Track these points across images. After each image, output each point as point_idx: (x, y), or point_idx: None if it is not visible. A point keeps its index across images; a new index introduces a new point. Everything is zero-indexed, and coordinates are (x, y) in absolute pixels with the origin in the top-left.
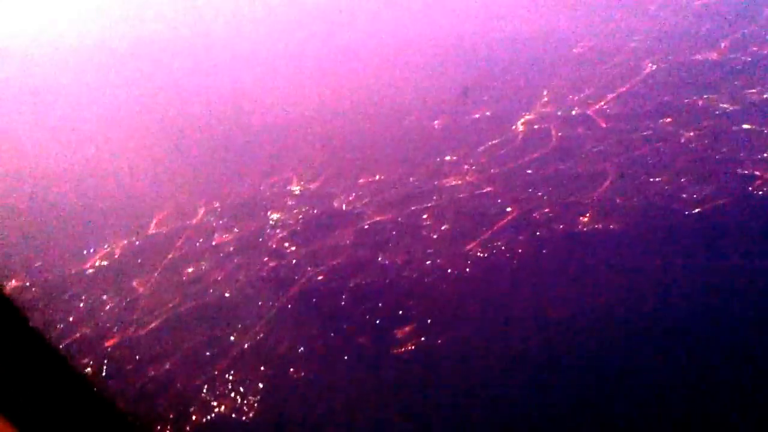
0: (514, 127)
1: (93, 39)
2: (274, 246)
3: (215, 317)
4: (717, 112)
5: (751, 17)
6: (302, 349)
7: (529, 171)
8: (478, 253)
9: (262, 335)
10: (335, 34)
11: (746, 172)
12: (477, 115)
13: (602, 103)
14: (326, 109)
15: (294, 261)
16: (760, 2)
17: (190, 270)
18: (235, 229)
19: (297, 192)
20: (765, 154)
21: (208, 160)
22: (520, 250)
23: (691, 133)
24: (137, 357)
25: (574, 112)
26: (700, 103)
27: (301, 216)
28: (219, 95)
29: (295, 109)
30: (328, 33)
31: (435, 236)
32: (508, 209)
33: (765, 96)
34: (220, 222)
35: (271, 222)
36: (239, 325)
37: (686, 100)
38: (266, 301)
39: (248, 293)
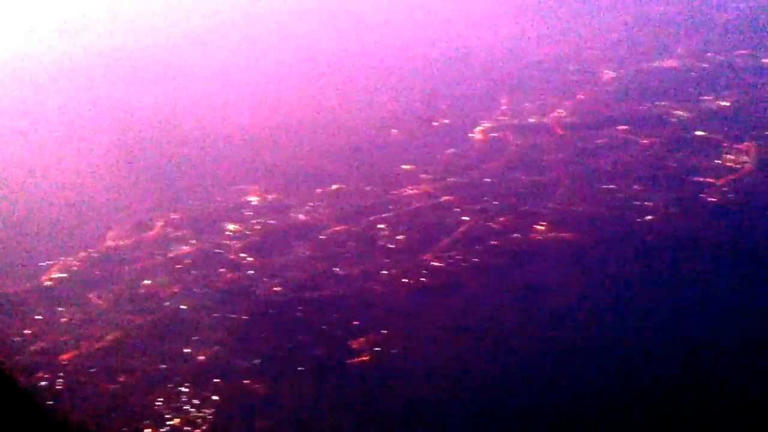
0: (471, 135)
1: (43, 53)
2: (231, 258)
3: (171, 330)
4: (672, 120)
5: (706, 26)
6: (258, 361)
7: (486, 180)
8: (434, 263)
9: (218, 348)
10: (293, 46)
11: (700, 179)
12: (435, 125)
13: (559, 111)
14: (284, 120)
15: (251, 273)
16: (715, 11)
17: (147, 282)
18: (193, 241)
19: (255, 203)
20: (718, 161)
21: (165, 173)
22: (476, 260)
23: (647, 141)
24: (93, 371)
25: (531, 121)
26: (656, 110)
27: (258, 227)
28: (176, 108)
29: (252, 120)
30: (286, 45)
31: (391, 246)
32: (465, 219)
33: (719, 103)
34: (178, 234)
35: (228, 233)
36: (195, 338)
37: (642, 108)
38: (223, 314)
39: (205, 306)
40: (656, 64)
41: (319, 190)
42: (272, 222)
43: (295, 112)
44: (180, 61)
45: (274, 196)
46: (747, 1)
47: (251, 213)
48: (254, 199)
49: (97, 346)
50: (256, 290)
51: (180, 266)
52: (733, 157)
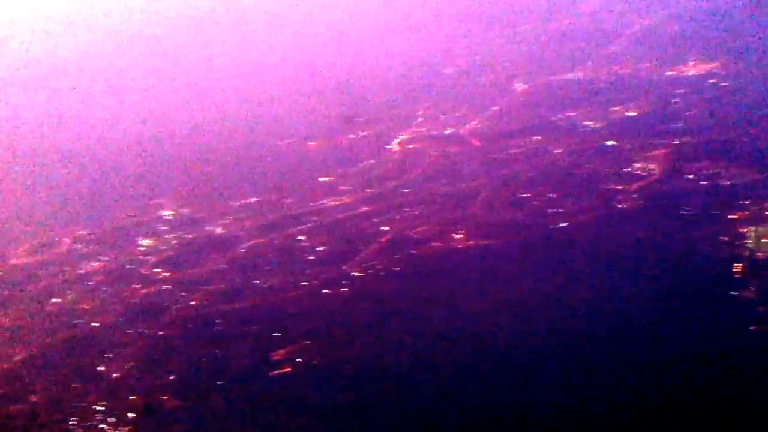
0: (389, 147)
1: None
2: (145, 273)
3: (84, 348)
4: (582, 130)
5: (614, 38)
6: (175, 377)
7: (405, 190)
8: (355, 273)
9: (132, 364)
10: (208, 55)
11: (610, 186)
12: (353, 136)
13: (475, 122)
14: (199, 132)
15: (166, 287)
16: (622, 24)
17: (56, 300)
18: (105, 257)
19: (169, 217)
20: (627, 169)
21: (74, 187)
22: (396, 269)
23: (559, 150)
24: (1, 393)
25: (447, 132)
26: (567, 120)
27: (174, 241)
28: (84, 119)
29: (165, 131)
30: (201, 55)
31: (311, 258)
32: (385, 229)
33: (627, 113)
34: (88, 250)
35: (142, 248)
36: (109, 355)
37: (554, 118)
38: (138, 330)
39: (119, 322)
40: (566, 75)
41: (236, 203)
42: (188, 236)
43: (210, 124)
44: (89, 71)
45: (188, 209)
46: (650, 15)
47: (165, 227)
48: (168, 213)
49: (5, 366)
50: (172, 305)
51: (91, 283)
52: (641, 165)
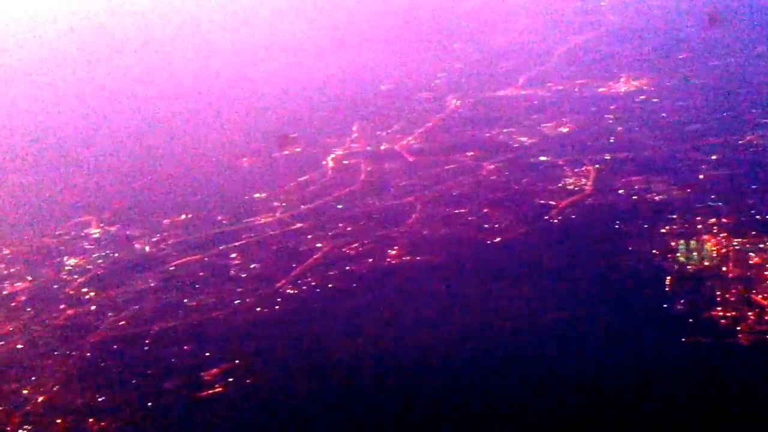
0: (324, 163)
1: None
2: (71, 293)
3: (6, 371)
4: (516, 145)
5: (547, 56)
6: (103, 398)
7: (340, 206)
8: (289, 291)
9: (58, 387)
10: (140, 72)
11: (543, 201)
12: (287, 153)
13: (410, 139)
14: (128, 147)
15: (93, 308)
16: (555, 43)
17: None
18: (29, 277)
19: (96, 236)
20: (560, 184)
21: None
22: (330, 285)
23: (492, 166)
24: None
25: (382, 148)
26: (501, 137)
27: (100, 261)
28: (7, 137)
29: (93, 148)
30: (133, 72)
31: (244, 275)
32: (319, 245)
33: (560, 129)
34: (12, 270)
35: (68, 268)
36: (33, 378)
37: (488, 134)
38: (63, 351)
39: (44, 344)
40: (500, 93)
41: (167, 221)
42: (115, 254)
43: (141, 139)
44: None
45: (117, 227)
46: (583, 34)
47: (92, 246)
48: (95, 231)
49: None
50: (100, 325)
51: (15, 304)
52: (573, 180)
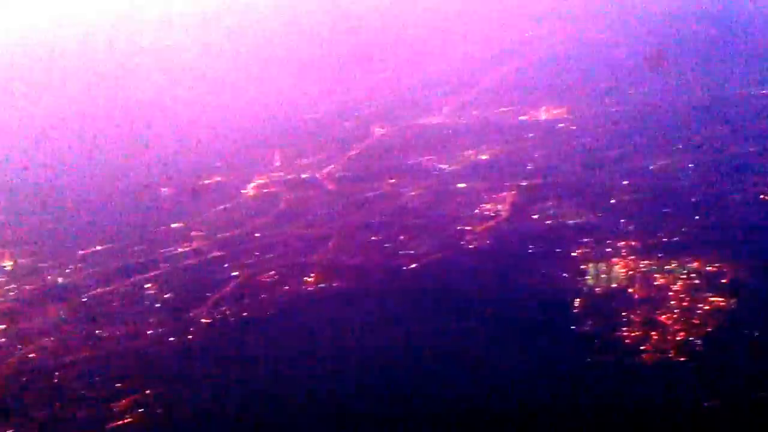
0: (244, 191)
1: None
2: None
3: None
4: (436, 173)
5: (470, 85)
6: (11, 431)
7: (257, 235)
8: (203, 320)
9: None
10: (51, 100)
11: (460, 227)
12: (207, 181)
13: (331, 167)
14: (43, 178)
15: (3, 340)
16: (478, 72)
17: None
18: None
19: (7, 268)
20: (477, 210)
21: None
22: (245, 314)
23: (413, 193)
24: None
25: (304, 176)
26: (422, 164)
27: (12, 293)
28: None
29: (4, 178)
30: (43, 100)
31: (158, 305)
32: (235, 274)
33: (480, 157)
34: None
35: None
36: None
37: (410, 162)
38: None
39: None
40: (423, 121)
41: (81, 252)
42: (27, 286)
43: (58, 170)
44: None
45: (29, 259)
46: (505, 65)
47: (4, 278)
48: (7, 264)
49: None
50: (9, 358)
51: None
52: (491, 206)
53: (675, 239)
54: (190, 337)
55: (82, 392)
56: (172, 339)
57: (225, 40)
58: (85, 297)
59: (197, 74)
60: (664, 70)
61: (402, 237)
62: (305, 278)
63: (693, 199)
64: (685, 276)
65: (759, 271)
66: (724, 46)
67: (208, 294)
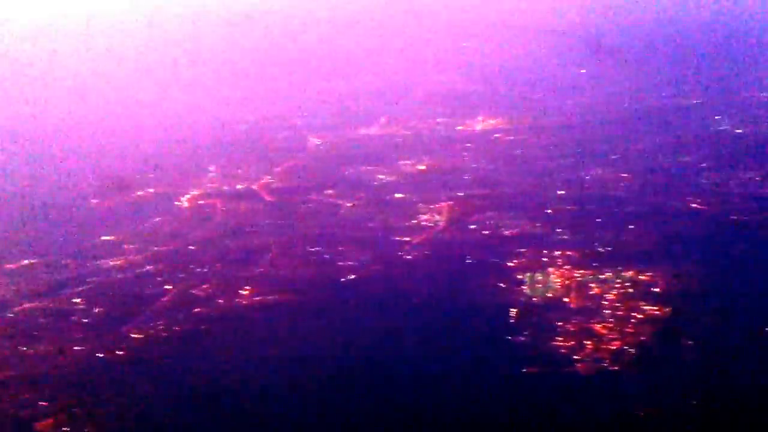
0: (179, 204)
1: None
2: None
3: None
4: (375, 183)
5: (407, 95)
6: None
7: (192, 248)
8: (134, 335)
9: None
10: None
11: (398, 238)
12: (140, 193)
13: (268, 178)
14: None
15: None
16: (418, 82)
17: None
18: None
19: None
20: (415, 221)
21: None
22: (177, 328)
23: (350, 204)
24: None
25: (240, 188)
26: (360, 175)
27: None
28: None
29: None
30: None
31: (87, 321)
32: (168, 287)
33: (417, 167)
34: None
35: None
36: None
37: (347, 173)
38: None
39: None
40: (360, 131)
41: (8, 266)
42: None
43: None
44: None
45: None
46: (442, 74)
47: None
48: None
49: None
50: None
51: None
52: (428, 217)
53: (610, 249)
54: (121, 353)
55: (7, 411)
56: (101, 355)
57: (154, 48)
58: (11, 313)
59: (129, 85)
60: (601, 80)
61: (340, 248)
62: (241, 291)
63: (628, 209)
64: (619, 285)
65: (691, 280)
66: (662, 58)
67: (140, 309)
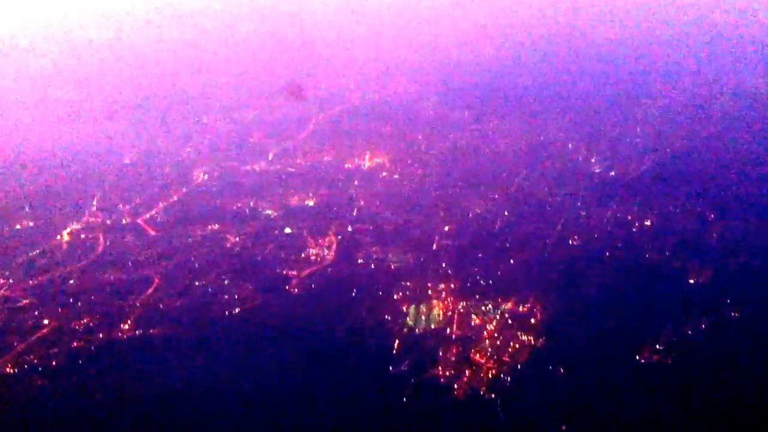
0: (59, 237)
1: None
2: None
3: None
4: (261, 217)
5: (297, 131)
6: None
7: (71, 281)
8: (8, 370)
9: None
10: None
11: (285, 272)
12: (18, 226)
13: (153, 212)
14: None
15: None
16: (304, 118)
17: None
18: None
19: None
20: (302, 255)
21: None
22: (54, 363)
23: (237, 238)
24: None
25: (123, 221)
26: (247, 209)
27: None
28: None
29: None
30: None
31: None
32: (45, 321)
33: (305, 202)
34: None
35: None
36: None
37: (234, 207)
38: None
39: None
40: (247, 166)
41: None
42: None
43: None
44: None
45: None
46: (332, 110)
47: None
48: None
49: None
50: None
51: None
52: (315, 251)
53: (490, 281)
54: None
55: None
56: None
57: (40, 80)
58: None
59: (6, 113)
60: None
61: (225, 281)
62: (121, 324)
63: (507, 244)
64: (498, 316)
65: (566, 311)
66: (544, 97)
67: (15, 343)
